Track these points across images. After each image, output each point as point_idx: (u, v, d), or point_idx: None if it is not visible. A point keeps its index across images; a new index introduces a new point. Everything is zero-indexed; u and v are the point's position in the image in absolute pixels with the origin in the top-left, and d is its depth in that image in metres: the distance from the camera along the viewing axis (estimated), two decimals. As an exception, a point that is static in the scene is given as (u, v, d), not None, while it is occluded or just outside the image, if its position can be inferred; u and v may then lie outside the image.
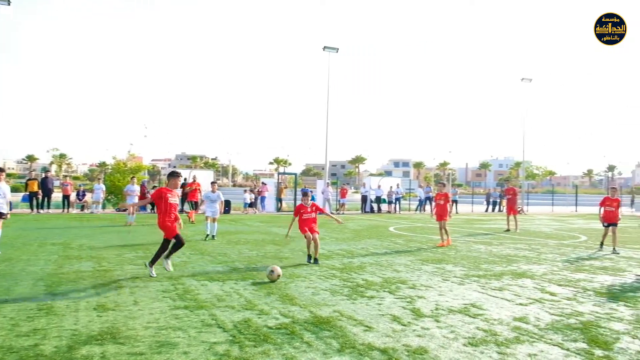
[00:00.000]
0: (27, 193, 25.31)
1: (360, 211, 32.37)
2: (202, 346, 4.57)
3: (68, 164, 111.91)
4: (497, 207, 36.77)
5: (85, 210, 25.74)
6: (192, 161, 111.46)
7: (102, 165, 79.43)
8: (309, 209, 10.00)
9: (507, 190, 20.30)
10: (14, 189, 54.18)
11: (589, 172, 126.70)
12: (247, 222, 20.56)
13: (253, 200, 28.85)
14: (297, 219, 9.94)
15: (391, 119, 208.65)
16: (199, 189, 21.22)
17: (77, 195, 26.96)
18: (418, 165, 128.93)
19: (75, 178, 76.98)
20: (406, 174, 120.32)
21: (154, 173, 32.81)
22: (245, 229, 17.51)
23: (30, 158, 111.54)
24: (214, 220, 13.64)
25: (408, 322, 5.54)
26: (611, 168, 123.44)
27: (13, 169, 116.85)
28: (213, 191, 14.21)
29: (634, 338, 5.10)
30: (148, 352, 4.38)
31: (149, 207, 25.79)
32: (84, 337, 4.76)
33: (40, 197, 24.54)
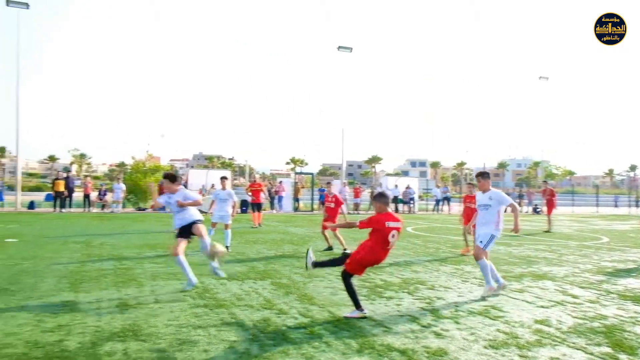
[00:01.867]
0: (53, 192, 25.82)
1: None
2: (222, 344, 4.61)
3: (88, 163, 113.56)
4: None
5: (106, 210, 26.09)
6: (209, 161, 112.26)
7: (121, 165, 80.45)
8: (330, 198, 10.74)
9: (545, 192, 19.90)
10: (37, 189, 55.14)
11: (610, 172, 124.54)
12: (265, 222, 20.62)
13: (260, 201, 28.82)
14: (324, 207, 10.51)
15: (408, 118, 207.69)
16: (262, 190, 20.10)
17: (99, 194, 27.35)
18: (435, 165, 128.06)
19: (96, 178, 77.99)
20: (423, 174, 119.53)
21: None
22: (263, 228, 17.58)
23: (52, 158, 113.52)
24: (226, 226, 11.19)
25: (427, 323, 5.51)
26: (633, 168, 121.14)
27: (35, 168, 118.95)
28: (223, 188, 11.69)
29: (659, 342, 5.00)
30: (169, 350, 4.43)
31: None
32: (106, 333, 4.83)
33: (65, 196, 25.05)
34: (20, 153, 28.77)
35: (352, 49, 33.20)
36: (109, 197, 27.49)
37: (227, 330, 5.05)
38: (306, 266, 6.24)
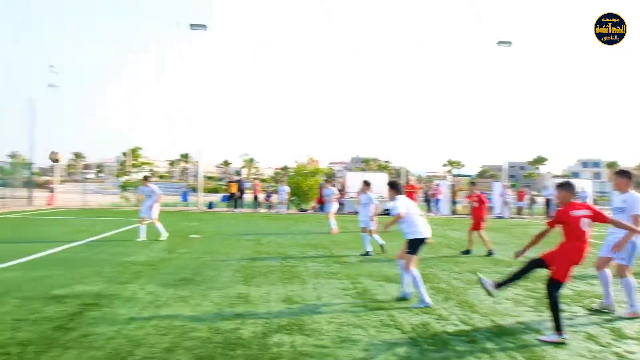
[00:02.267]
0: (227, 194, 28.76)
1: (544, 215, 29.84)
2: (382, 346, 4.69)
3: (256, 167, 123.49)
4: None
5: (272, 210, 28.11)
6: (366, 164, 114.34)
7: (285, 168, 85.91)
8: (474, 197, 10.29)
9: None
10: (214, 190, 61.01)
11: None
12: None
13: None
14: None
15: (577, 114, 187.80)
16: (416, 192, 19.88)
17: (266, 196, 29.62)
18: (611, 165, 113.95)
19: (263, 180, 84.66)
20: (597, 176, 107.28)
21: (330, 175, 34.64)
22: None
23: (226, 163, 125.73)
24: (369, 232, 10.97)
25: (607, 342, 4.96)
26: None
27: (213, 172, 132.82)
28: (364, 192, 11.48)
29: None
30: (332, 346, 4.64)
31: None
32: (275, 326, 5.23)
33: (238, 197, 27.69)
34: (201, 159, 32.39)
35: (511, 43, 31.28)
36: (274, 198, 29.59)
37: (386, 332, 5.12)
38: (489, 293, 5.60)
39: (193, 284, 7.24)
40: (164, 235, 12.61)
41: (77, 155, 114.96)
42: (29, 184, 28.97)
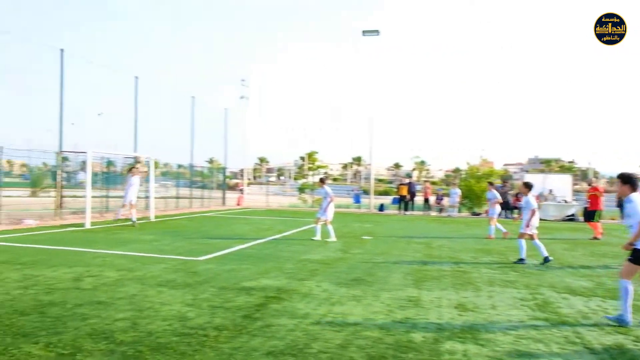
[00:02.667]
0: (397, 196, 28.94)
1: None
2: (567, 364, 4.29)
3: (427, 170, 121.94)
4: None
5: (443, 213, 27.49)
6: (546, 165, 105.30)
7: (457, 170, 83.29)
8: None
9: None
10: (385, 193, 61.60)
11: None
12: (614, 233, 17.97)
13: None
14: None
15: None
16: (600, 195, 17.14)
17: (437, 198, 29.09)
18: None
19: (433, 183, 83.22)
20: None
21: (506, 177, 32.47)
22: (611, 240, 15.35)
23: (397, 165, 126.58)
24: (531, 237, 10.19)
25: None
26: None
27: (383, 175, 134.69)
28: (524, 194, 10.71)
29: None
30: (508, 358, 4.39)
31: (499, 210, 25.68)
32: (447, 332, 5.13)
33: (408, 199, 27.67)
34: (373, 161, 33.09)
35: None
36: (445, 201, 28.90)
37: (572, 350, 4.67)
38: None
39: (365, 284, 7.45)
40: (333, 238, 12.99)
41: (262, 160, 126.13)
42: (223, 186, 32.71)
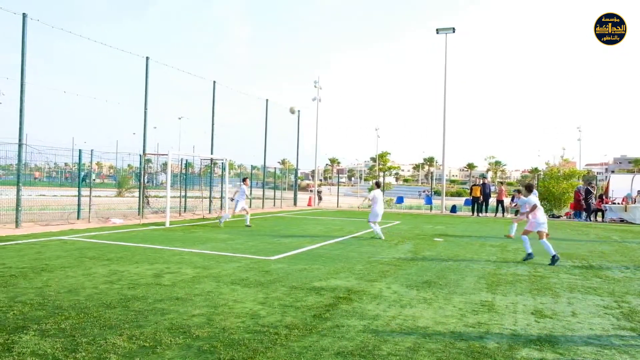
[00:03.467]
0: (470, 197, 28.09)
1: None
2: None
3: (502, 170, 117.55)
4: None
5: (520, 215, 26.35)
6: (635, 164, 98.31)
7: (534, 171, 79.65)
8: None
9: None
10: (457, 194, 60.14)
11: None
12: None
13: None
14: None
15: None
16: None
17: (511, 200, 27.94)
18: None
19: (509, 184, 80.00)
20: None
21: (589, 179, 30.45)
22: None
23: (470, 166, 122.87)
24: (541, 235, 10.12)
25: None
26: None
27: (456, 176, 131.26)
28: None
29: None
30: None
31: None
32: (522, 339, 4.93)
33: (482, 201, 26.80)
34: (446, 162, 32.36)
35: None
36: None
37: (662, 363, 4.34)
38: None
39: (436, 287, 7.31)
40: (380, 236, 13.64)
41: (332, 161, 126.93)
42: (295, 187, 33.27)
